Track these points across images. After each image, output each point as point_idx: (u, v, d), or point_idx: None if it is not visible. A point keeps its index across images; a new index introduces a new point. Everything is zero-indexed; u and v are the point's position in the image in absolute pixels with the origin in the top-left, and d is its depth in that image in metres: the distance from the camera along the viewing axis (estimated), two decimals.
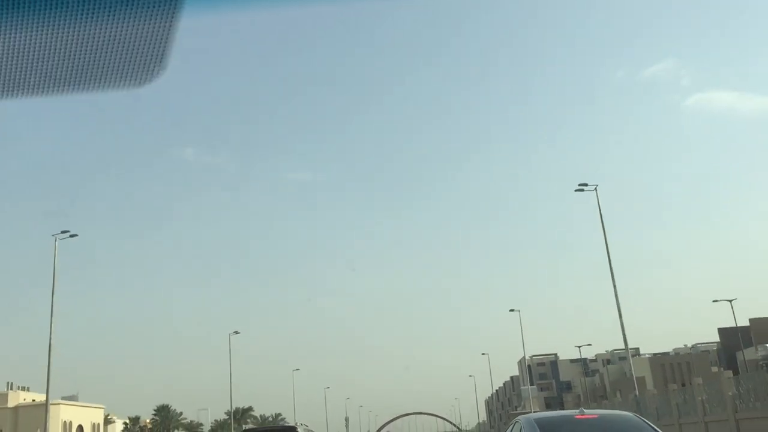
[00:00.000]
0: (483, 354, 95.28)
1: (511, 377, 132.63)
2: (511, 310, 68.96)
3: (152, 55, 2.11)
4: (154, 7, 1.96)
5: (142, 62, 2.13)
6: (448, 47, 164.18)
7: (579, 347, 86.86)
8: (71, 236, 38.61)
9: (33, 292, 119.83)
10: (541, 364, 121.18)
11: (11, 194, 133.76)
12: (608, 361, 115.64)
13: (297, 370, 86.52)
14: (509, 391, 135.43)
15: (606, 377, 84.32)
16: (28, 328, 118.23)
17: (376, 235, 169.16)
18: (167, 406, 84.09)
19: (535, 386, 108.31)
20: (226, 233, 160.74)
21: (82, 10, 1.96)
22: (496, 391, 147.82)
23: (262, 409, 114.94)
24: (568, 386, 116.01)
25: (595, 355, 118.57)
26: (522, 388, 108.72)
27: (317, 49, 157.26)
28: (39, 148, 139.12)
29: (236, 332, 63.47)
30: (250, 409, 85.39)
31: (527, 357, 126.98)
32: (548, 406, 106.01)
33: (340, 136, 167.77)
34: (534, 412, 78.96)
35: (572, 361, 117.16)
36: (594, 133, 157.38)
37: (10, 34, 2.02)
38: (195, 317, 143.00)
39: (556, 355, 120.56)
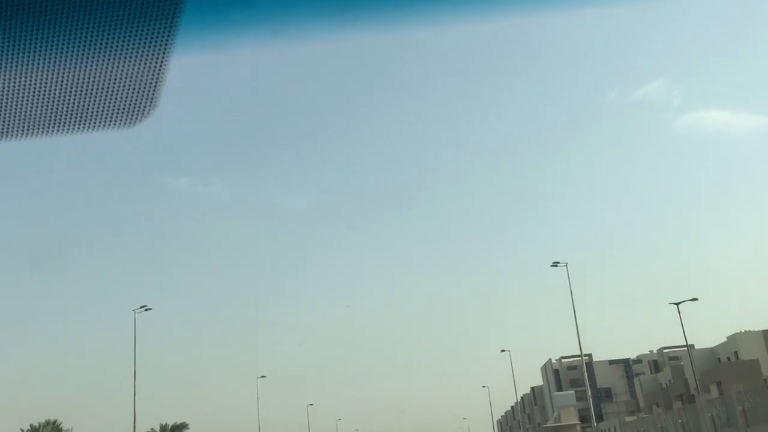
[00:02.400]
0: (503, 350, 73.00)
1: (532, 388, 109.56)
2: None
3: (144, 95, 2.13)
4: (145, 47, 1.97)
5: (133, 102, 2.15)
6: (435, 71, 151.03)
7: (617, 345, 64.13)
8: (146, 310, 44.93)
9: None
10: (572, 367, 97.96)
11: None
12: (655, 363, 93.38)
13: (311, 405, 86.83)
14: (529, 406, 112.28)
15: (691, 367, 59.54)
16: None
17: (379, 258, 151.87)
18: None
19: (572, 392, 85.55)
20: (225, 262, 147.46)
21: (72, 50, 1.96)
22: (512, 407, 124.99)
23: None
24: (607, 393, 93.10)
25: (638, 356, 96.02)
26: (555, 394, 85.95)
27: (315, 75, 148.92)
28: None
29: (263, 376, 67.93)
30: (183, 426, 65.24)
31: (553, 360, 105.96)
32: (583, 420, 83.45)
33: (339, 161, 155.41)
34: (571, 425, 56.54)
35: (611, 362, 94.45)
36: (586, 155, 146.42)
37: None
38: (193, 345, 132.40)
39: (590, 356, 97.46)
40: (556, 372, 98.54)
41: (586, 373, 51.31)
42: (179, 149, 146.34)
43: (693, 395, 52.30)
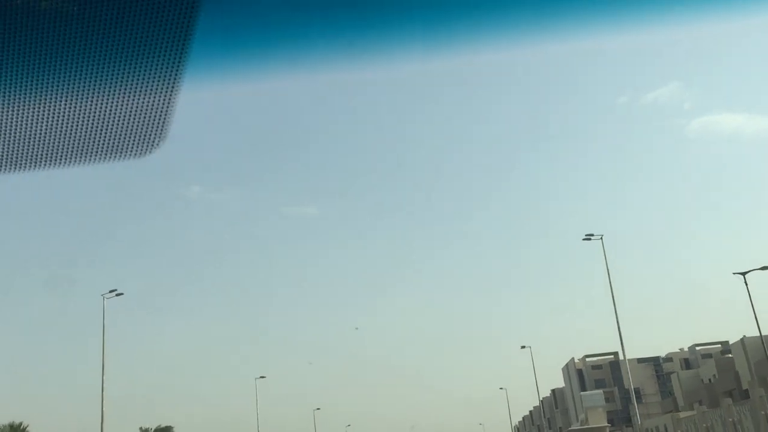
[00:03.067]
0: (523, 347, 66.60)
1: (553, 391, 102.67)
2: None
3: (154, 127, 2.16)
4: (154, 79, 2.00)
5: (143, 134, 2.19)
6: (450, 78, 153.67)
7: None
8: (117, 295, 40.11)
9: None
10: (596, 367, 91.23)
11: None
12: (686, 361, 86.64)
13: (318, 409, 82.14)
14: (550, 409, 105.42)
15: (746, 357, 52.70)
16: None
17: (393, 265, 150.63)
18: None
19: (600, 392, 78.89)
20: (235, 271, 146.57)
21: (82, 84, 2.01)
22: (530, 411, 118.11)
23: None
24: (636, 394, 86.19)
25: (667, 354, 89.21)
26: (583, 394, 79.26)
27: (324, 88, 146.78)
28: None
29: (262, 377, 64.38)
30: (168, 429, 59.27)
31: (577, 359, 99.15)
32: (611, 423, 76.79)
33: (349, 169, 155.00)
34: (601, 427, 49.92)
35: (640, 360, 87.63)
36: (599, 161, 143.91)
37: (10, 109, 2.08)
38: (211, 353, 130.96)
39: (616, 354, 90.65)
40: (580, 372, 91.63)
41: (628, 369, 44.83)
42: (191, 160, 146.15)
43: (746, 390, 45.78)
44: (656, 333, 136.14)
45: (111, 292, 39.82)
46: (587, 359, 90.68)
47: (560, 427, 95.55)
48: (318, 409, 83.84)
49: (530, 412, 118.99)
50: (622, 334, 39.60)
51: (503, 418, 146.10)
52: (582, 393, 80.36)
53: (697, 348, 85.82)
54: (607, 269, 39.98)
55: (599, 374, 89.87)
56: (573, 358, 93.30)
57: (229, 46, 2.02)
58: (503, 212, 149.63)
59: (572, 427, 76.41)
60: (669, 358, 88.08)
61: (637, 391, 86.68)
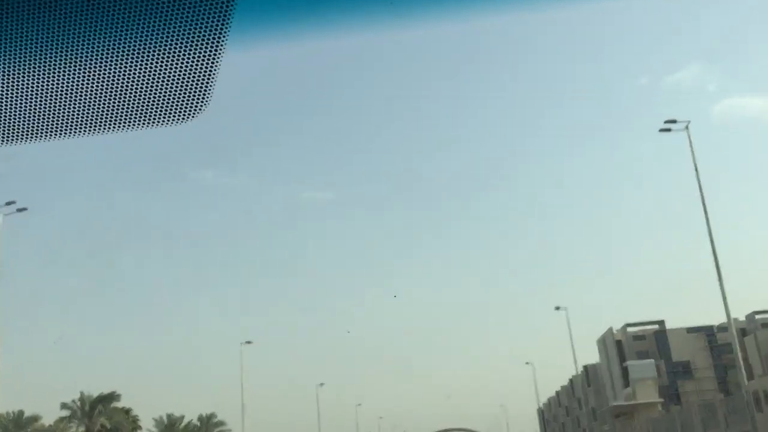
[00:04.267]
0: (557, 308, 55.90)
1: (585, 367, 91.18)
2: None
3: (197, 92, 2.17)
4: (198, 46, 2.00)
5: (185, 99, 2.19)
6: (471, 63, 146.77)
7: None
8: (19, 210, 35.82)
9: None
10: (639, 337, 79.73)
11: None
12: (743, 331, 75.16)
13: (322, 384, 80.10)
14: (581, 389, 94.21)
15: None
16: None
17: (411, 252, 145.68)
18: None
19: (652, 361, 67.73)
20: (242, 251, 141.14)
21: (125, 47, 2.01)
22: (557, 392, 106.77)
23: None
24: (685, 369, 74.87)
25: (718, 325, 77.65)
26: (631, 364, 68.00)
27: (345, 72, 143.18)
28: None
29: (248, 342, 60.47)
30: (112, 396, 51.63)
31: (615, 330, 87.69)
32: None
33: (367, 153, 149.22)
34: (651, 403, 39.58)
35: (689, 330, 76.26)
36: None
37: (47, 75, 2.06)
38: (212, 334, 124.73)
39: (662, 322, 79.27)
40: (619, 344, 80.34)
41: (736, 335, 33.64)
42: (210, 143, 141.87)
43: None
44: (703, 303, 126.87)
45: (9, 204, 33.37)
46: (628, 328, 79.28)
47: (592, 408, 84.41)
48: (322, 384, 78.95)
49: (556, 392, 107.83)
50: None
51: (529, 398, 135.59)
52: (629, 362, 69.28)
53: (757, 316, 74.27)
54: (695, 166, 28.75)
55: (642, 346, 78.32)
56: (611, 328, 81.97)
57: (266, 12, 2.02)
58: (528, 188, 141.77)
59: (615, 403, 65.47)
60: (724, 328, 76.44)
61: (686, 364, 75.60)
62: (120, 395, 57.66)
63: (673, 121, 30.15)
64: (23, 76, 2.04)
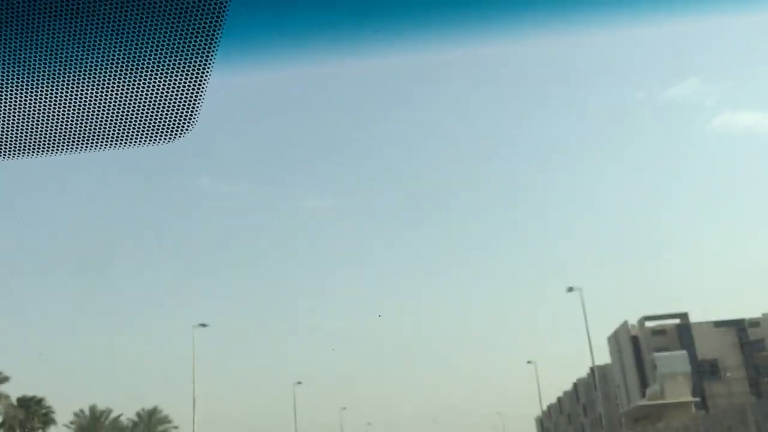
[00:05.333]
0: (570, 289, 46.90)
1: (592, 368, 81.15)
2: None
3: (184, 113, 2.19)
4: (188, 63, 2.03)
5: (171, 119, 2.21)
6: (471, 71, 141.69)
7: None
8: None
9: None
10: (659, 332, 70.25)
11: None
12: None
13: (299, 383, 74.02)
14: (587, 393, 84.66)
15: None
16: None
17: (402, 258, 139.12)
18: None
19: (684, 353, 58.45)
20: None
21: (113, 68, 2.04)
22: (558, 398, 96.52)
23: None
24: (711, 367, 65.51)
25: (748, 319, 68.37)
26: (659, 356, 58.47)
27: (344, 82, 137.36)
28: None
29: (203, 324, 53.08)
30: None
31: (632, 323, 77.97)
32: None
33: (364, 162, 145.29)
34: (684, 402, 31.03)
35: (718, 324, 67.00)
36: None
37: (35, 92, 2.10)
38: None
39: (684, 315, 69.85)
40: (635, 340, 70.98)
41: None
42: (207, 151, 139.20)
43: None
44: (733, 295, 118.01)
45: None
46: (646, 323, 69.93)
47: (600, 414, 74.68)
48: (299, 383, 74.08)
49: (558, 399, 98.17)
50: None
51: (529, 405, 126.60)
52: (656, 354, 59.99)
53: None
54: None
55: (661, 341, 68.77)
56: (626, 322, 72.59)
57: (260, 27, 2.06)
58: (532, 205, 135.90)
59: (641, 402, 56.26)
60: (756, 323, 67.29)
61: (713, 363, 66.39)
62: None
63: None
64: (10, 94, 2.07)
